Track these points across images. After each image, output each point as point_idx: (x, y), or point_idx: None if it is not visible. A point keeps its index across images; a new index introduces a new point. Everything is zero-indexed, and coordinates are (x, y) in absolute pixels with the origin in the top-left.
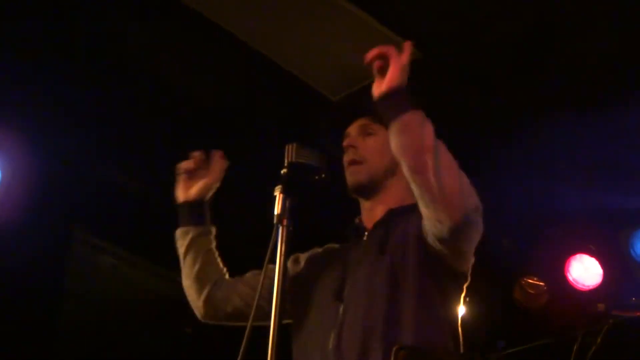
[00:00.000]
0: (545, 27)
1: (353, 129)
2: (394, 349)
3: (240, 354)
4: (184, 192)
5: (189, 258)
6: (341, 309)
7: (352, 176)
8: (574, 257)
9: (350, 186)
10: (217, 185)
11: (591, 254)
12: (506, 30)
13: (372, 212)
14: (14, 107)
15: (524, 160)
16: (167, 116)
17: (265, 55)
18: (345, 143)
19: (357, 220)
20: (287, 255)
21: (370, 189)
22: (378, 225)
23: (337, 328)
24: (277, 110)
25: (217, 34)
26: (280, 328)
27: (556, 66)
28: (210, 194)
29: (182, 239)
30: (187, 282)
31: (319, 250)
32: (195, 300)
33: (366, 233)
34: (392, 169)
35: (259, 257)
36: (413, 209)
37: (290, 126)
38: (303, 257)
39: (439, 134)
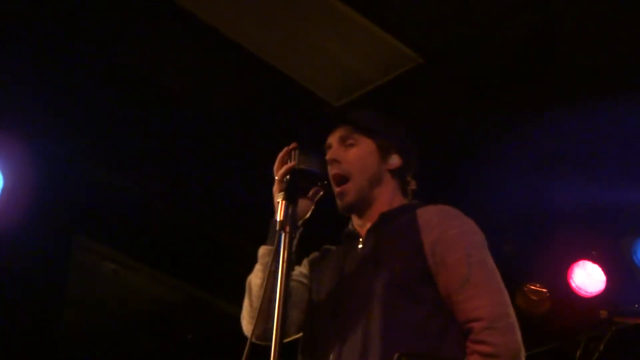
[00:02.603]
0: (547, 31)
1: (334, 140)
2: (395, 356)
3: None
4: None
5: None
6: (339, 325)
7: (340, 198)
8: (576, 263)
9: (341, 208)
10: None
11: (594, 260)
12: (507, 34)
13: (363, 219)
14: (16, 112)
15: (526, 165)
16: (169, 123)
17: (267, 61)
18: (327, 156)
19: (350, 226)
20: (290, 261)
21: (360, 206)
22: (371, 231)
23: (337, 345)
24: (280, 116)
25: (219, 40)
26: (283, 335)
27: (558, 69)
28: None
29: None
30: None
31: (317, 254)
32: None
33: (360, 239)
34: (378, 179)
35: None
36: (403, 210)
37: (292, 133)
38: (307, 263)
39: (438, 141)
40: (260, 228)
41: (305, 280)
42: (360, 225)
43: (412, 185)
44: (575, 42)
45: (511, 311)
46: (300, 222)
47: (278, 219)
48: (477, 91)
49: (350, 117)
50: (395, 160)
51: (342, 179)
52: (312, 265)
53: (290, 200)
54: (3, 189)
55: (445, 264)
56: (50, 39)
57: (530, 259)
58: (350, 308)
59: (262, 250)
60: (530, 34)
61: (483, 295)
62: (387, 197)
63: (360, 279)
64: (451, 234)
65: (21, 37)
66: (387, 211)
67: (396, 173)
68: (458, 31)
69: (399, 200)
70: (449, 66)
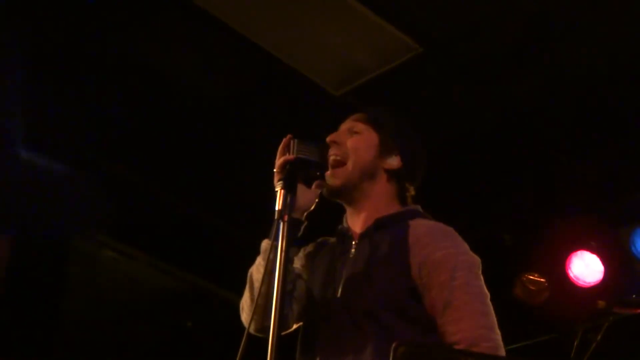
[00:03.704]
0: (545, 21)
1: (343, 125)
2: (393, 346)
3: (241, 347)
4: None
5: None
6: (331, 334)
7: (329, 181)
8: (575, 253)
9: (327, 191)
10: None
11: (592, 250)
12: (507, 22)
13: (355, 216)
14: (15, 100)
15: (526, 157)
16: (170, 111)
17: (267, 50)
18: (329, 138)
19: (344, 223)
20: (288, 250)
21: (347, 194)
22: (365, 237)
23: (327, 352)
24: (280, 105)
25: (221, 29)
26: (281, 321)
27: (558, 60)
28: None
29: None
30: None
31: (312, 248)
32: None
33: (353, 243)
34: (371, 173)
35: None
36: (398, 218)
37: (292, 121)
38: (304, 255)
39: (438, 129)
40: (260, 217)
41: (304, 275)
42: (353, 223)
43: (411, 191)
44: (574, 32)
45: (494, 334)
46: (304, 215)
47: (276, 209)
48: (477, 79)
49: (363, 108)
50: (394, 162)
51: (338, 164)
52: (307, 258)
53: (289, 189)
54: None
55: (430, 287)
56: (47, 26)
57: (528, 249)
58: (342, 319)
59: (265, 244)
60: (530, 22)
61: (464, 319)
62: (382, 198)
63: (352, 291)
64: (438, 256)
65: (24, 30)
66: (383, 217)
67: (393, 175)
68: (457, 19)
69: (395, 206)
70: (448, 55)
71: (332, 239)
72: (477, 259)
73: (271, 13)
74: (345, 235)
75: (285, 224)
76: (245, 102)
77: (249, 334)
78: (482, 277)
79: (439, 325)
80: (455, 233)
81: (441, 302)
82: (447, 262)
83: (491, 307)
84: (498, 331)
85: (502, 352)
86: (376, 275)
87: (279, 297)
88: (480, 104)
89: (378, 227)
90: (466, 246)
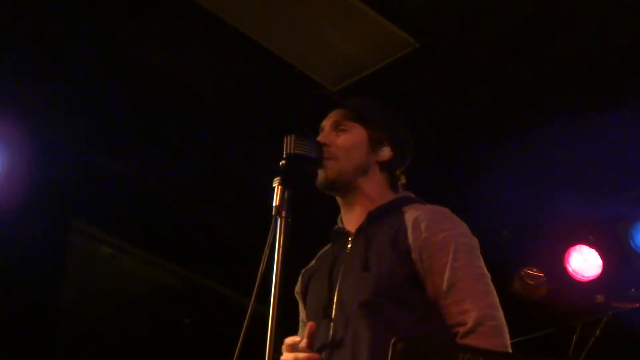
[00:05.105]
0: (544, 17)
1: (327, 123)
2: (392, 341)
3: (239, 343)
4: None
5: None
6: (331, 328)
7: (323, 173)
8: (573, 248)
9: (320, 183)
10: None
11: (591, 245)
12: (504, 17)
13: (350, 212)
14: (13, 96)
15: (524, 152)
16: (166, 107)
17: (263, 45)
18: (318, 139)
19: (339, 223)
20: (286, 246)
21: (339, 187)
22: (360, 232)
23: (328, 347)
24: (276, 101)
25: (217, 25)
26: (280, 315)
27: (555, 56)
28: None
29: None
30: None
31: (313, 263)
32: None
33: (350, 239)
34: (363, 168)
35: (258, 248)
36: (391, 207)
37: (288, 117)
38: (305, 274)
39: (435, 125)
40: (258, 214)
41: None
42: (348, 220)
43: (402, 179)
44: (573, 27)
45: (498, 313)
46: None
47: (274, 204)
48: (474, 75)
49: (345, 103)
50: (385, 153)
51: (329, 160)
52: (308, 277)
53: (286, 185)
54: (1, 173)
55: (432, 269)
56: (46, 24)
57: (527, 244)
58: (341, 312)
59: None
60: (527, 16)
61: (468, 300)
62: (374, 190)
63: (350, 283)
64: (438, 238)
65: (18, 23)
66: (375, 210)
67: (385, 166)
68: (454, 15)
69: (387, 195)
70: (445, 50)
71: (327, 246)
72: (476, 240)
73: (268, 9)
74: (341, 234)
75: (283, 219)
76: (242, 97)
77: (247, 330)
78: (482, 258)
79: (442, 307)
80: (452, 214)
81: (444, 283)
82: (448, 244)
83: (493, 287)
84: (501, 310)
85: (506, 330)
86: (374, 265)
87: (277, 288)
88: (478, 100)
89: (371, 220)
90: (465, 227)
